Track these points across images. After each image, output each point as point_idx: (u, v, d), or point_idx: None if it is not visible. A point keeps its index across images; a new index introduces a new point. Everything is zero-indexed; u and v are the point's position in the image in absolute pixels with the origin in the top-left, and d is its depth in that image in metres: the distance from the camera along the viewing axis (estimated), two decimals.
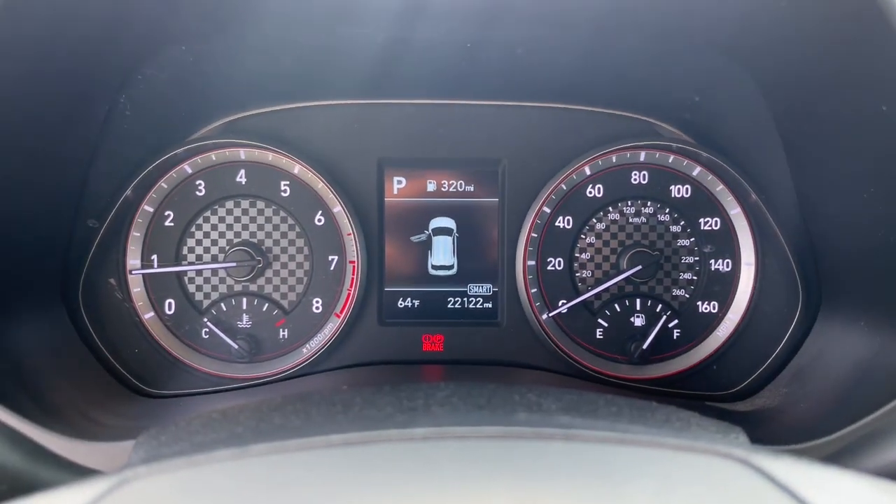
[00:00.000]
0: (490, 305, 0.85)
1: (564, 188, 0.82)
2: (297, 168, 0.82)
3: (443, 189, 0.84)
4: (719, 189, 0.81)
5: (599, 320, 0.83)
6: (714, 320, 0.83)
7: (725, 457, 0.38)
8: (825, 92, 0.62)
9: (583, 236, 0.83)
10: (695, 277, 0.83)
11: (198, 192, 0.83)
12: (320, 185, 0.82)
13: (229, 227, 0.83)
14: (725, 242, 0.82)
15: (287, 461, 0.35)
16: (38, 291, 0.75)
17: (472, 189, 0.84)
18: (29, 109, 0.61)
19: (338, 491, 0.33)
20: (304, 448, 0.37)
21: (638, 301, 0.83)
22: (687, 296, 0.83)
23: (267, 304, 0.83)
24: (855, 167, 0.64)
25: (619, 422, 0.43)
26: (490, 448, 0.38)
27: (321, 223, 0.83)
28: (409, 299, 0.85)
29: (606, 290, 0.83)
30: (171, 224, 0.82)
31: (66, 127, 0.68)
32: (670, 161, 0.82)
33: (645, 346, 0.81)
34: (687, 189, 0.82)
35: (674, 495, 0.35)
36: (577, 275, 0.83)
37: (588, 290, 0.82)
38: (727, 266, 0.82)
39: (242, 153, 0.82)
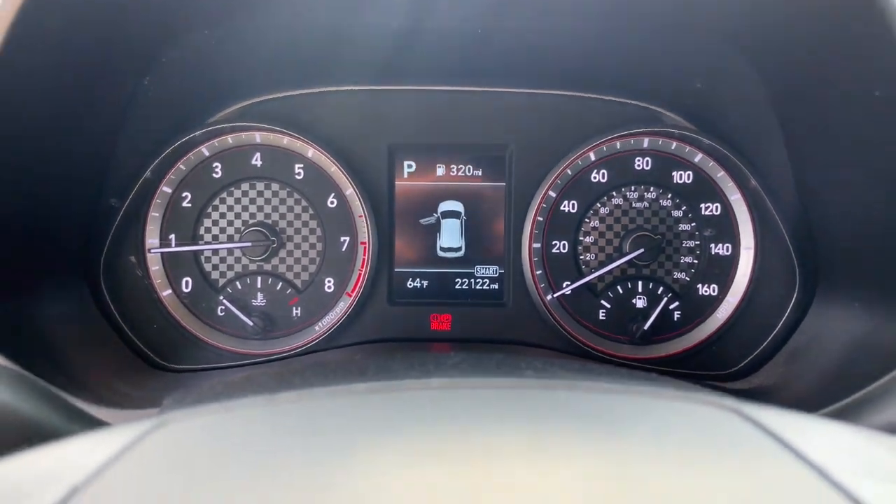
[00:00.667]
0: (496, 287, 0.88)
1: (570, 173, 0.85)
2: (311, 152, 0.85)
3: (451, 173, 0.87)
4: (720, 175, 0.84)
5: (602, 301, 0.86)
6: (714, 302, 0.85)
7: (718, 406, 0.41)
8: (823, 80, 0.64)
9: (587, 220, 0.85)
10: (695, 261, 0.85)
11: (214, 175, 0.85)
12: (333, 169, 0.85)
13: (245, 208, 0.86)
14: (725, 227, 0.85)
15: (315, 407, 0.38)
16: (61, 268, 0.78)
17: (479, 173, 0.87)
18: (55, 94, 0.64)
19: (365, 430, 0.36)
20: (331, 396, 0.40)
21: (640, 283, 0.86)
22: (687, 278, 0.85)
23: (281, 283, 0.86)
24: (851, 154, 0.66)
25: (619, 379, 0.46)
26: (500, 395, 0.41)
27: (333, 205, 0.86)
28: (417, 280, 0.88)
29: (609, 272, 0.85)
30: (189, 205, 0.85)
31: (91, 110, 0.71)
32: (673, 148, 0.84)
33: (646, 327, 0.83)
34: (689, 175, 0.85)
35: (667, 437, 0.38)
36: (581, 257, 0.86)
37: (591, 273, 0.85)
38: (727, 250, 0.85)
39: (258, 136, 0.85)
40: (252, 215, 0.86)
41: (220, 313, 0.86)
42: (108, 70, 0.69)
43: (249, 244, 0.85)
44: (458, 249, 0.88)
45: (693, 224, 0.85)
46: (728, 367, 0.84)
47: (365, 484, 0.32)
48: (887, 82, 0.56)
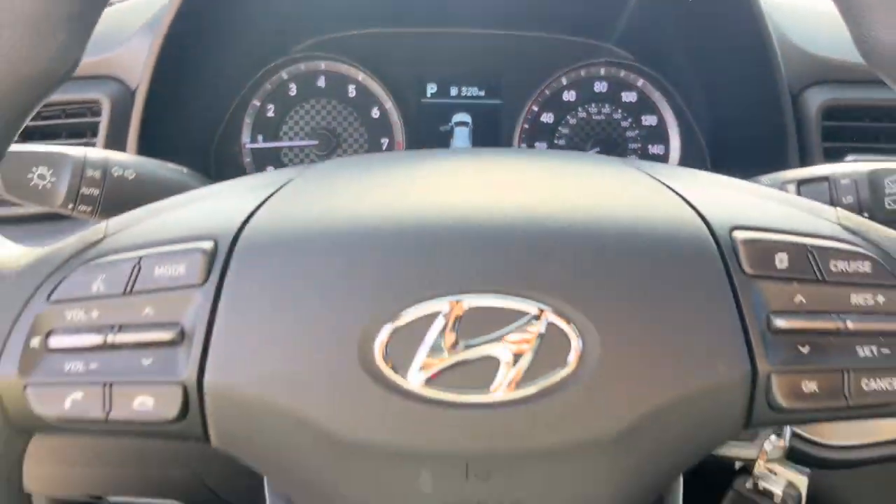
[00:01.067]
0: None
1: (547, 93, 1.16)
2: (361, 76, 1.17)
3: (462, 94, 1.19)
4: (656, 95, 1.16)
5: None
6: None
7: (622, 162, 0.55)
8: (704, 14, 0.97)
9: (560, 128, 1.17)
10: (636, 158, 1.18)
11: (290, 93, 1.18)
12: (377, 88, 1.17)
13: (312, 118, 1.18)
14: (660, 133, 1.16)
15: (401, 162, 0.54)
16: (183, 156, 1.10)
17: (483, 94, 1.19)
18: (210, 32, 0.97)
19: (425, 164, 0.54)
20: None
21: None
22: None
23: None
24: (729, 70, 0.99)
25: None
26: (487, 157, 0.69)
27: (377, 116, 1.18)
28: None
29: None
30: (272, 115, 1.18)
31: (212, 41, 1.04)
32: (622, 75, 1.16)
33: None
34: (633, 95, 1.16)
35: (574, 164, 0.54)
36: None
37: None
38: (660, 150, 1.16)
39: (322, 65, 1.17)
40: (318, 123, 1.18)
41: None
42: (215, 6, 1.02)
43: (316, 142, 1.17)
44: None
45: (636, 132, 1.17)
46: None
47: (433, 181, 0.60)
48: None
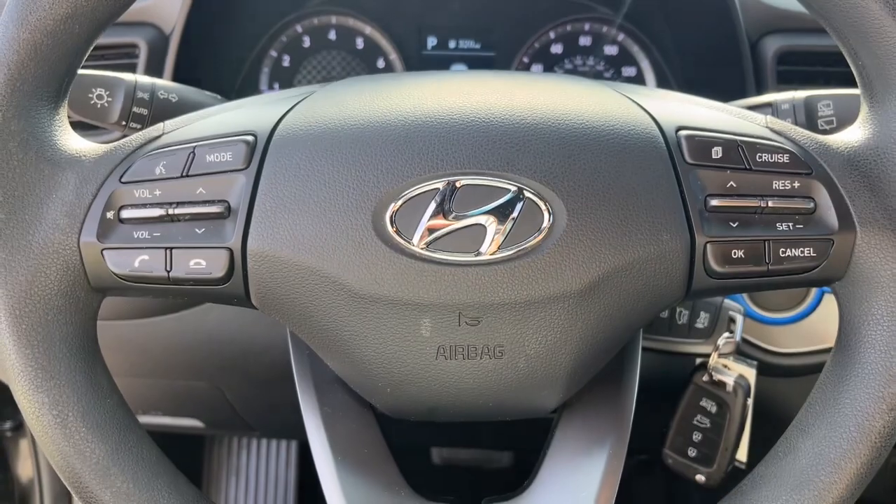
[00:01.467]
0: None
1: (536, 46, 1.28)
2: (368, 29, 1.29)
3: (459, 46, 1.31)
4: (635, 49, 1.28)
5: None
6: None
7: (602, 83, 0.64)
8: None
9: None
10: None
11: (304, 45, 1.30)
12: (383, 42, 1.29)
13: (324, 67, 1.30)
14: (638, 83, 1.29)
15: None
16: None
17: (478, 46, 1.31)
18: None
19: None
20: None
21: None
22: None
23: None
24: (696, 23, 1.11)
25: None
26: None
27: (383, 66, 1.30)
28: None
29: None
30: (287, 65, 1.30)
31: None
32: (604, 30, 1.28)
33: None
34: (615, 48, 1.28)
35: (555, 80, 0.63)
36: None
37: None
38: None
39: (334, 19, 1.29)
40: (329, 73, 1.30)
41: None
42: None
43: None
44: None
45: (618, 82, 1.29)
46: None
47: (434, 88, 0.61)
48: None
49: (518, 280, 0.55)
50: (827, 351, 1.03)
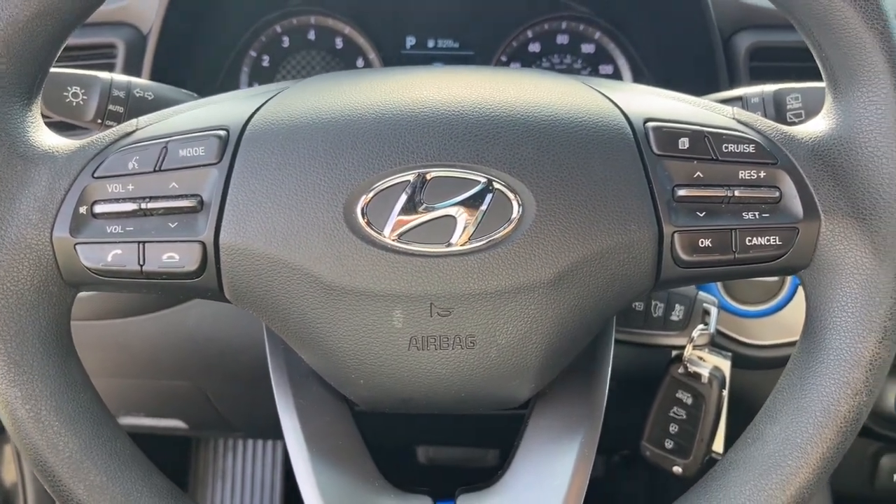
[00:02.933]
0: None
1: (514, 45, 1.29)
2: (347, 29, 1.30)
3: (438, 46, 1.31)
4: (611, 46, 1.29)
5: None
6: None
7: (572, 76, 0.64)
8: None
9: None
10: None
11: (283, 45, 1.31)
12: (362, 41, 1.30)
13: (303, 67, 1.31)
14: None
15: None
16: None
17: (457, 46, 1.32)
18: None
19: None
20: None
21: None
22: None
23: None
24: (670, 20, 1.12)
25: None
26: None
27: (362, 66, 1.31)
28: None
29: None
30: (267, 64, 1.30)
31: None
32: (581, 28, 1.29)
33: None
34: (592, 47, 1.29)
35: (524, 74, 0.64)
36: None
37: None
38: None
39: (313, 19, 1.29)
40: (308, 72, 1.31)
41: None
42: None
43: None
44: None
45: None
46: None
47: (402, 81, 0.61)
48: None
49: (488, 270, 0.56)
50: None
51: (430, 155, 0.54)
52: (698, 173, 0.56)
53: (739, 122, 0.59)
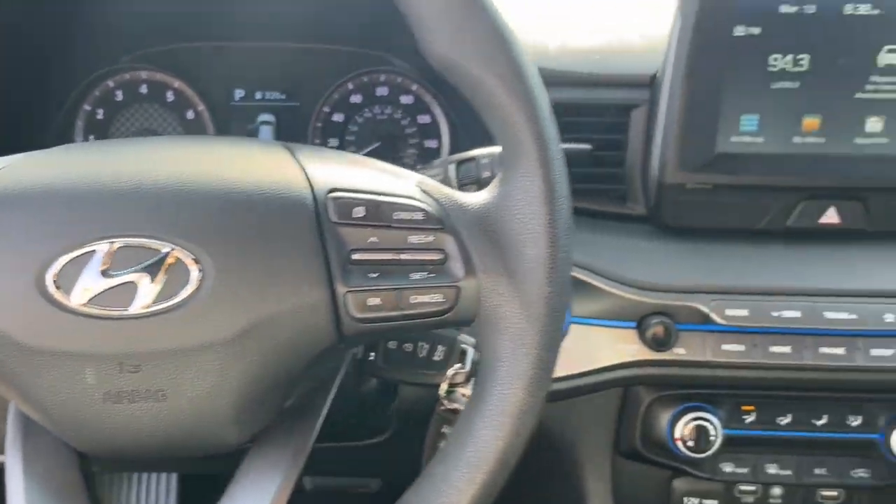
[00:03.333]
0: None
1: (336, 96, 1.36)
2: (177, 83, 1.36)
3: (266, 98, 1.37)
4: (428, 97, 1.37)
5: None
6: None
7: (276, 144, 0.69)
8: None
9: (349, 126, 1.34)
10: (415, 151, 1.39)
11: (116, 98, 1.36)
12: (191, 94, 1.37)
13: (137, 119, 1.36)
14: (434, 130, 1.34)
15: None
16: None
17: (283, 97, 1.37)
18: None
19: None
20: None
21: None
22: (411, 161, 1.40)
23: None
24: None
25: None
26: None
27: (192, 118, 1.37)
28: None
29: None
30: (102, 118, 1.36)
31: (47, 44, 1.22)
32: (399, 80, 1.36)
33: None
34: (410, 98, 1.36)
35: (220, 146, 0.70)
36: (347, 148, 1.39)
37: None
38: (435, 144, 1.37)
39: (144, 74, 1.35)
40: (141, 124, 1.36)
41: None
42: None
43: None
44: None
45: (414, 129, 1.36)
46: None
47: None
48: None
49: (170, 330, 0.63)
50: (580, 375, 1.14)
51: (117, 226, 0.60)
52: (374, 238, 0.63)
53: (422, 189, 0.66)
